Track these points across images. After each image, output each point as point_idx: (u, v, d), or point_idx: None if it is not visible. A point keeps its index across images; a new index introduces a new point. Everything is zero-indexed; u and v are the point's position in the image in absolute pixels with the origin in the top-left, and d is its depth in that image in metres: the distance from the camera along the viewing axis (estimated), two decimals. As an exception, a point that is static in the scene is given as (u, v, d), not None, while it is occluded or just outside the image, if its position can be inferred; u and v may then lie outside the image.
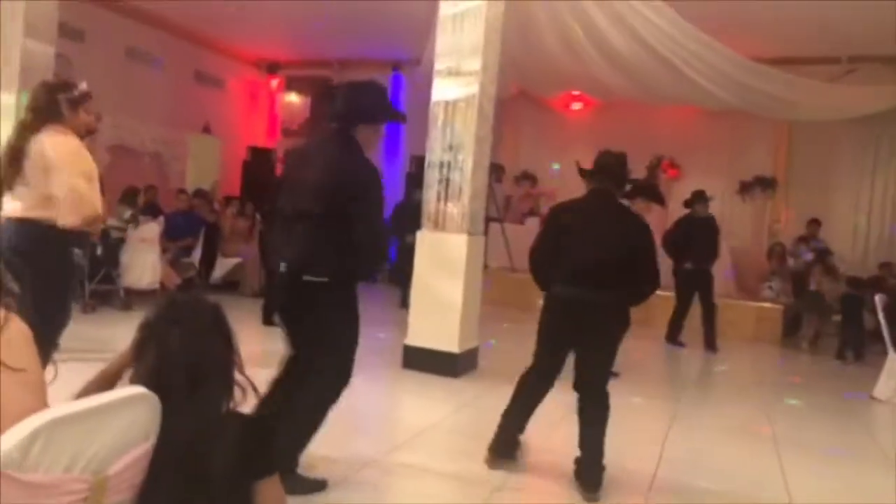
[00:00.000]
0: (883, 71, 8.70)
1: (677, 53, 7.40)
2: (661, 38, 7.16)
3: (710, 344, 7.25)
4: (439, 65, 5.36)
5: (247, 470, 1.35)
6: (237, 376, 1.41)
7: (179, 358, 1.32)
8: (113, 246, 6.84)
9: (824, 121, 9.04)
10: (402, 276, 8.10)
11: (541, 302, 3.33)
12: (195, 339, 1.35)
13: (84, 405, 1.10)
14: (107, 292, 6.83)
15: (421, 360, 5.13)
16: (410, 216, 7.98)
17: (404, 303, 7.98)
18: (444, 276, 5.16)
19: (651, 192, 5.54)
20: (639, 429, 4.21)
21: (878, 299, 5.94)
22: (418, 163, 9.89)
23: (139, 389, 1.22)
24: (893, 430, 5.14)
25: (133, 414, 1.19)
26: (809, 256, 8.61)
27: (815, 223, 9.19)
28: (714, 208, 7.78)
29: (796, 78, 7.96)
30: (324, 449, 3.32)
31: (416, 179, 9.50)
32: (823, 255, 8.21)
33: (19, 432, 0.98)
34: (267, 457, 1.42)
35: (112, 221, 7.13)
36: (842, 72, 8.89)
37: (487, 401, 4.57)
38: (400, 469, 3.25)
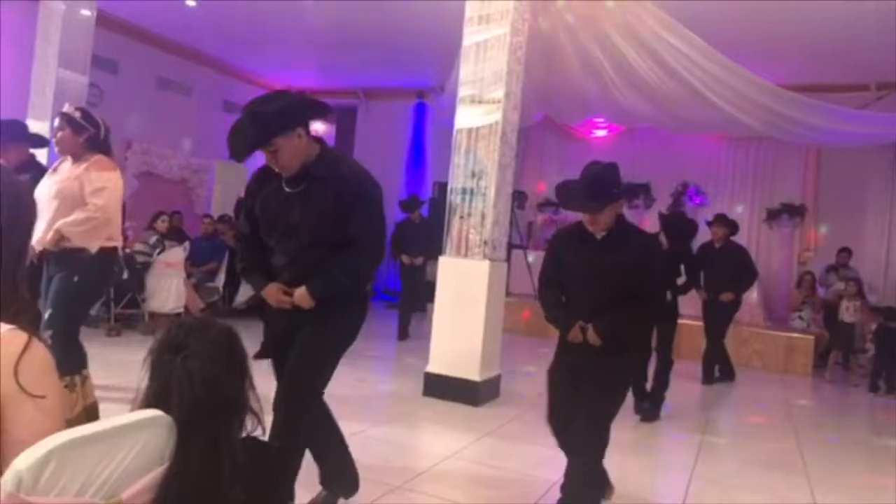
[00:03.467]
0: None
1: (703, 80, 7.36)
2: (687, 65, 7.13)
3: (707, 376, 6.81)
4: (462, 92, 5.39)
5: (262, 496, 1.32)
6: (251, 403, 1.39)
7: (186, 385, 1.29)
8: (138, 270, 6.93)
9: (853, 147, 8.91)
10: (403, 303, 8.09)
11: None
12: (202, 366, 1.31)
13: (98, 427, 1.09)
14: (131, 317, 6.90)
15: (442, 388, 5.08)
16: (412, 236, 7.97)
17: (403, 332, 7.92)
18: (466, 303, 5.12)
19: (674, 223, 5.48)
20: (664, 460, 4.10)
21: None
22: (441, 189, 9.95)
23: (154, 412, 1.20)
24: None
25: (148, 437, 1.18)
26: (840, 285, 8.41)
27: (845, 252, 9.01)
28: (740, 235, 7.64)
29: (823, 104, 7.86)
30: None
31: (439, 205, 9.55)
32: (857, 283, 8.00)
33: (33, 454, 0.97)
34: (281, 486, 1.39)
35: (138, 246, 7.25)
36: (871, 98, 8.78)
37: (509, 430, 4.51)
38: (421, 498, 3.19)
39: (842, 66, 8.27)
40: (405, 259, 7.91)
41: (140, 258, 7.06)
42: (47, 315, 3.46)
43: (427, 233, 7.94)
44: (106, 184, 3.58)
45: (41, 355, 1.13)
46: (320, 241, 2.55)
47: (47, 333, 3.42)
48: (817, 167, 9.91)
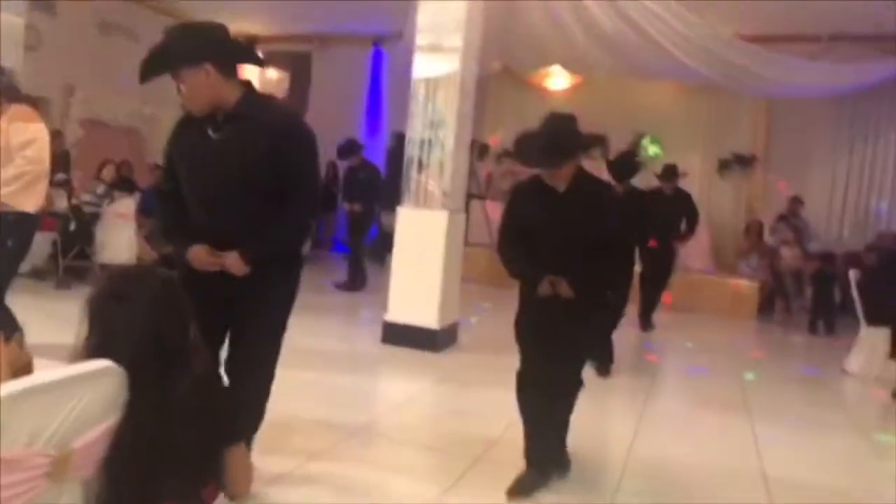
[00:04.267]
0: (862, 49, 8.74)
1: (659, 29, 7.37)
2: (643, 14, 7.13)
3: (648, 322, 6.75)
4: (421, 40, 5.29)
5: (212, 438, 1.34)
6: (196, 344, 1.39)
7: (127, 334, 1.28)
8: (87, 222, 6.73)
9: (803, 99, 9.10)
10: (354, 252, 7.91)
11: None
12: (143, 315, 1.30)
13: (47, 378, 1.08)
14: (82, 269, 6.73)
15: (401, 336, 5.14)
16: (350, 183, 7.82)
17: (348, 283, 7.69)
18: (425, 253, 5.15)
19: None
20: (613, 406, 4.26)
21: (853, 274, 6.05)
22: (399, 139, 9.84)
23: (105, 362, 1.20)
24: (863, 402, 5.25)
25: (99, 387, 1.17)
26: (789, 235, 8.66)
27: (796, 201, 9.23)
28: (692, 184, 7.79)
29: (776, 55, 7.97)
30: (304, 422, 3.34)
31: (396, 155, 9.42)
32: (797, 231, 8.29)
33: (-23, 406, 0.96)
34: (230, 424, 1.41)
35: (85, 197, 7.02)
36: (821, 50, 8.92)
37: (467, 374, 4.62)
38: (381, 441, 3.27)
39: (794, 17, 8.35)
40: (345, 206, 7.81)
41: (88, 209, 6.84)
42: None
43: (369, 179, 7.79)
44: (35, 135, 3.35)
45: None
46: (252, 191, 2.31)
47: None
48: (768, 118, 10.11)
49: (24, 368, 1.23)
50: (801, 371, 6.00)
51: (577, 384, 2.94)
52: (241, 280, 2.34)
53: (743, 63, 7.79)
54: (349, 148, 7.78)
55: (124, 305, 1.31)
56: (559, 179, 2.78)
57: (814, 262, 7.97)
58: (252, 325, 2.43)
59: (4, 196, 3.28)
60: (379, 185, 7.97)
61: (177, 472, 1.27)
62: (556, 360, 2.81)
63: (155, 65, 2.28)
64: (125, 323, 1.29)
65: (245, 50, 2.44)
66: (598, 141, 3.13)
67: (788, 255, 8.05)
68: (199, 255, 2.34)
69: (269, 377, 2.53)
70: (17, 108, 3.38)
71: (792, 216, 9.07)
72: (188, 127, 2.41)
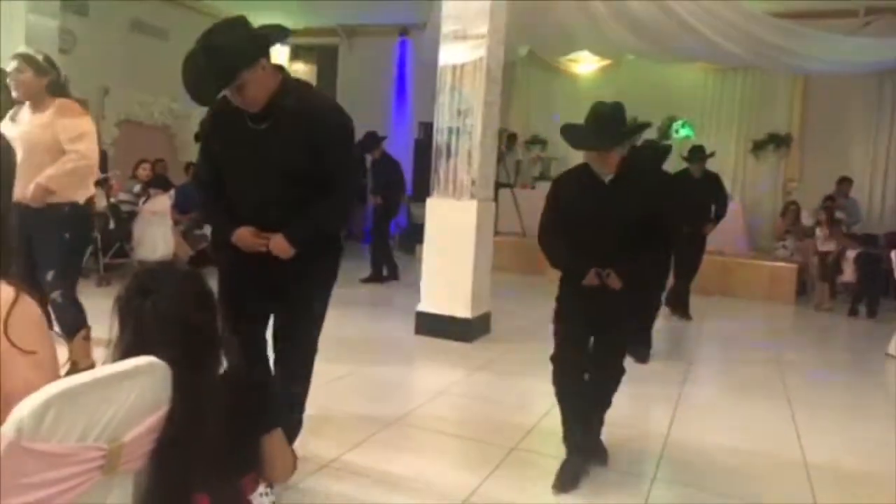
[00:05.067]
0: (901, 22, 8.47)
1: (688, 8, 7.24)
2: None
3: (684, 309, 6.57)
4: (446, 28, 5.27)
5: (246, 428, 1.37)
6: (222, 339, 1.41)
7: (155, 330, 1.31)
8: (124, 219, 6.89)
9: (840, 75, 8.84)
10: (378, 245, 7.87)
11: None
12: (169, 309, 1.33)
13: (95, 375, 1.11)
14: (121, 266, 6.90)
15: (434, 326, 5.16)
16: (376, 176, 7.79)
17: (372, 276, 7.70)
18: (455, 243, 5.15)
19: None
20: (650, 391, 4.23)
21: (894, 256, 5.89)
22: (426, 129, 9.83)
23: (150, 359, 1.23)
24: (908, 386, 5.13)
25: (145, 382, 1.21)
26: (840, 215, 8.37)
27: (846, 181, 8.95)
28: (727, 167, 7.62)
29: (811, 31, 7.76)
30: (341, 413, 3.38)
31: (423, 146, 9.40)
32: (829, 211, 8.05)
33: (32, 402, 0.99)
34: (265, 412, 1.44)
35: (123, 195, 7.18)
36: (859, 25, 8.67)
37: (501, 364, 4.62)
38: (417, 431, 3.29)
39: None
40: (370, 199, 7.82)
41: (125, 207, 7.01)
42: (50, 277, 3.34)
43: (389, 171, 7.76)
44: (84, 129, 3.41)
45: (31, 310, 1.13)
46: (295, 179, 2.37)
47: (56, 294, 3.36)
48: (804, 96, 9.86)
49: (88, 368, 1.27)
50: (843, 355, 5.87)
51: (621, 371, 2.96)
52: (284, 264, 2.40)
53: (777, 41, 7.61)
54: (369, 141, 7.72)
55: (150, 301, 1.34)
56: (606, 166, 2.76)
57: (846, 243, 7.75)
58: (296, 309, 2.52)
59: (60, 189, 3.34)
60: (399, 178, 8.00)
61: (210, 463, 1.30)
62: (599, 352, 2.85)
63: (218, 81, 2.23)
64: (152, 319, 1.32)
65: (277, 31, 2.40)
66: (644, 128, 3.08)
67: (821, 237, 7.85)
68: (244, 236, 2.41)
69: (312, 360, 2.65)
70: (62, 102, 3.43)
71: (840, 196, 8.81)
72: (226, 118, 2.42)
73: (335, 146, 2.40)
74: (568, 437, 2.89)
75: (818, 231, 7.92)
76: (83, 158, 3.39)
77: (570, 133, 2.83)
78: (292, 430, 2.61)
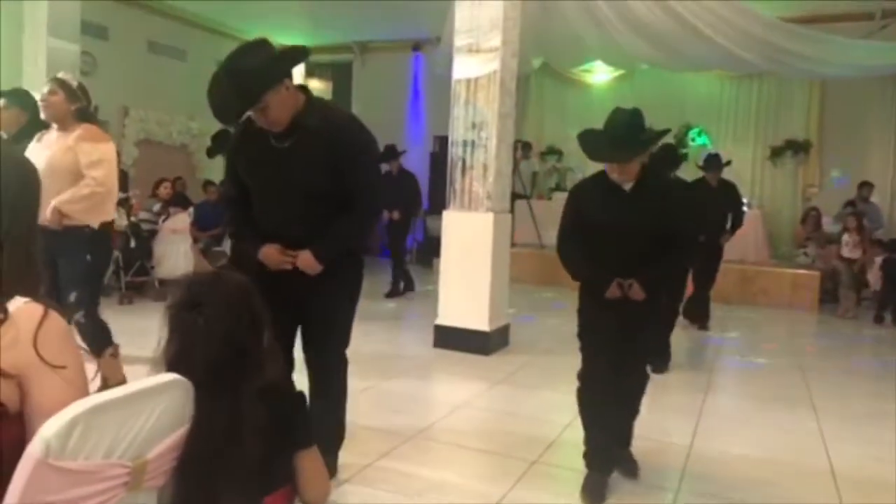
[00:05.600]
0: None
1: (701, 16, 7.22)
2: (684, 1, 6.99)
3: (703, 320, 6.43)
4: (459, 42, 5.31)
5: (281, 445, 1.36)
6: (269, 355, 1.40)
7: (203, 341, 1.31)
8: (145, 238, 6.98)
9: (857, 79, 8.75)
10: (396, 258, 7.84)
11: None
12: (219, 321, 1.32)
13: (121, 392, 1.13)
14: (142, 284, 6.97)
15: (452, 339, 5.15)
16: (389, 190, 7.40)
17: (393, 290, 7.68)
18: (472, 256, 5.15)
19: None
20: (673, 401, 4.18)
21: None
22: (441, 143, 9.87)
23: (172, 376, 1.24)
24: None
25: (168, 400, 1.22)
26: (852, 222, 8.26)
27: (867, 185, 8.82)
28: (745, 174, 7.54)
29: (826, 35, 7.71)
30: (361, 428, 3.38)
31: (439, 159, 9.42)
32: (857, 217, 7.93)
33: (58, 421, 1.01)
34: (301, 429, 1.43)
35: (143, 214, 7.27)
36: (875, 27, 8.59)
37: (520, 376, 4.60)
38: (437, 445, 3.28)
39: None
40: (385, 214, 7.61)
41: (145, 226, 7.10)
42: (73, 298, 3.40)
43: (406, 186, 7.74)
44: (103, 156, 3.47)
45: (59, 326, 1.15)
46: (318, 197, 2.42)
47: (79, 315, 3.40)
48: (821, 101, 9.77)
49: (119, 384, 1.27)
50: (868, 363, 5.77)
51: (646, 376, 2.98)
52: (310, 280, 2.45)
53: (791, 46, 7.56)
54: (386, 153, 7.63)
55: (199, 312, 1.34)
56: (626, 175, 2.72)
57: (875, 251, 7.64)
58: (322, 322, 2.56)
59: (74, 214, 3.40)
60: (415, 192, 8.01)
61: (240, 479, 1.29)
62: (624, 360, 2.80)
63: (242, 103, 2.27)
64: (200, 329, 1.32)
65: (298, 51, 2.45)
66: (664, 134, 2.97)
67: (851, 243, 7.73)
68: (271, 254, 2.45)
69: (342, 372, 2.69)
70: (86, 127, 3.49)
71: (861, 202, 8.69)
72: (251, 137, 2.48)
73: (358, 164, 2.43)
74: (590, 453, 2.85)
75: (846, 237, 7.81)
76: (100, 185, 3.43)
77: (589, 142, 2.77)
78: (332, 443, 2.70)
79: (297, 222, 2.44)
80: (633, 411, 2.99)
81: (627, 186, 2.74)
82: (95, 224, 3.50)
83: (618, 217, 2.72)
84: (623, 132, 2.66)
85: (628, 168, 2.70)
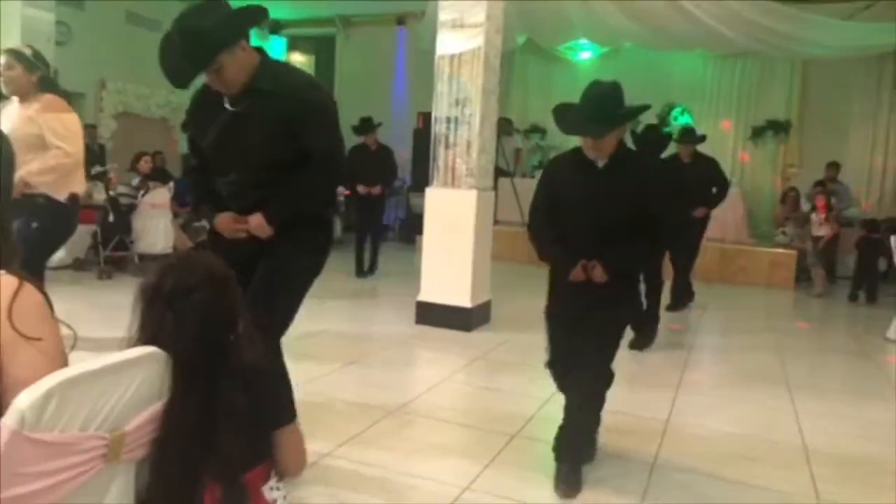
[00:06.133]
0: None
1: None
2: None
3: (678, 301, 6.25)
4: (443, 17, 5.26)
5: (258, 424, 1.36)
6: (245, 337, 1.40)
7: (176, 325, 1.30)
8: (124, 213, 6.89)
9: (839, 59, 8.81)
10: (360, 236, 7.55)
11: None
12: (193, 306, 1.31)
13: (98, 364, 1.12)
14: (121, 259, 6.90)
15: (434, 316, 5.18)
16: (367, 164, 7.26)
17: (359, 268, 7.37)
18: (454, 232, 5.16)
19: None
20: (650, 378, 4.24)
21: (894, 241, 5.89)
22: (425, 119, 9.80)
23: (150, 349, 1.23)
24: (908, 370, 5.15)
25: (146, 372, 1.21)
26: (821, 201, 8.42)
27: (833, 166, 8.97)
28: (726, 153, 7.59)
29: (810, 15, 7.74)
30: (342, 404, 3.40)
31: (422, 136, 9.35)
32: (825, 195, 8.02)
33: (33, 393, 1.00)
34: (280, 407, 1.43)
35: (122, 188, 7.18)
36: (859, 8, 8.62)
37: (501, 353, 4.64)
38: (418, 420, 3.31)
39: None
40: (361, 188, 7.32)
41: (124, 200, 7.00)
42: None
43: (385, 159, 7.46)
44: (68, 126, 3.40)
45: (35, 299, 1.14)
46: (274, 161, 2.29)
47: None
48: (803, 82, 9.83)
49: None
50: (842, 341, 5.89)
51: (608, 378, 2.79)
52: (265, 243, 2.32)
53: (775, 25, 7.59)
54: (362, 126, 7.39)
55: (173, 299, 1.33)
56: (601, 152, 2.61)
57: (835, 229, 7.77)
58: (272, 270, 2.33)
59: (41, 185, 3.34)
60: (392, 167, 7.73)
61: (218, 457, 1.29)
62: (586, 352, 2.65)
63: (196, 63, 2.15)
64: (172, 319, 1.31)
65: (256, 11, 2.30)
66: (643, 109, 2.79)
67: (816, 221, 7.85)
68: (224, 222, 2.36)
69: (282, 330, 2.39)
70: (49, 98, 3.42)
71: (830, 181, 8.84)
72: (205, 100, 2.37)
73: (312, 124, 2.29)
74: (558, 441, 2.75)
75: (813, 216, 7.93)
76: (67, 156, 3.37)
77: (563, 116, 2.65)
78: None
79: (254, 190, 2.32)
80: (591, 399, 2.76)
81: (601, 164, 2.65)
82: (63, 197, 3.43)
83: (586, 194, 2.62)
84: (599, 106, 2.56)
85: (603, 144, 2.58)
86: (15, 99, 3.45)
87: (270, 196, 2.29)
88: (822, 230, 7.79)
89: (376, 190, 7.44)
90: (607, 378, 2.80)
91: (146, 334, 1.34)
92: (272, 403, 1.43)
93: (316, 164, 2.32)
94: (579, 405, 2.72)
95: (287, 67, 2.46)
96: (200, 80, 2.30)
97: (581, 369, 2.67)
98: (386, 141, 7.82)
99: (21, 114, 3.38)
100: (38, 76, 3.42)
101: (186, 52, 2.12)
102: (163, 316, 1.33)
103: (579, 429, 2.76)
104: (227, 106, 2.30)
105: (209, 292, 1.35)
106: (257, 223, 2.30)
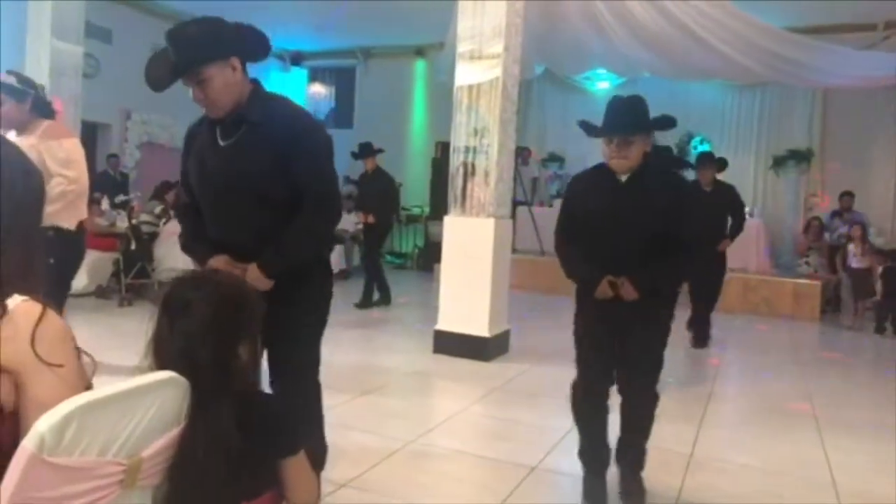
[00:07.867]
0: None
1: (704, 25, 7.24)
2: (687, 10, 7.01)
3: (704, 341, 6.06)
4: (461, 48, 5.32)
5: (260, 452, 1.34)
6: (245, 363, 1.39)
7: (175, 345, 1.30)
8: (146, 241, 6.98)
9: (859, 89, 8.77)
10: (369, 265, 7.31)
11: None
12: (201, 324, 1.30)
13: (116, 389, 1.12)
14: (142, 286, 6.97)
15: (451, 345, 5.14)
16: (364, 191, 7.20)
17: (365, 301, 7.09)
18: (473, 260, 5.15)
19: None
20: (673, 411, 4.15)
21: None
22: (443, 148, 9.88)
23: (169, 374, 1.23)
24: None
25: (164, 397, 1.21)
26: (844, 230, 8.37)
27: (848, 196, 8.91)
28: (747, 183, 7.55)
29: (828, 45, 7.73)
30: (358, 433, 3.36)
31: (441, 165, 9.41)
32: (861, 227, 7.93)
33: (53, 416, 1.00)
34: (282, 435, 1.41)
35: (144, 217, 7.28)
36: (878, 38, 8.61)
37: (519, 383, 4.58)
38: (434, 451, 3.26)
39: (849, 5, 8.08)
40: (359, 216, 7.09)
41: (146, 228, 7.10)
42: None
43: (381, 186, 7.12)
44: (72, 153, 3.33)
45: (57, 325, 1.15)
46: (265, 200, 2.14)
47: None
48: (823, 111, 9.79)
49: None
50: (870, 374, 5.74)
51: (654, 399, 2.70)
52: (267, 293, 2.10)
53: (794, 55, 7.58)
54: (361, 150, 7.12)
55: (171, 308, 1.33)
56: (626, 160, 2.53)
57: (883, 259, 7.63)
58: (284, 340, 2.19)
59: (48, 217, 3.22)
60: (390, 194, 7.42)
61: (226, 482, 1.27)
62: (626, 375, 2.62)
63: (178, 65, 2.05)
64: (170, 326, 1.32)
65: (257, 35, 2.18)
66: (670, 121, 2.67)
67: (857, 252, 7.71)
68: (219, 266, 2.17)
69: (311, 390, 2.35)
70: (48, 124, 3.37)
71: (845, 211, 8.75)
72: (199, 134, 2.29)
73: (305, 157, 2.15)
74: (585, 456, 2.77)
75: (851, 248, 7.79)
76: (72, 183, 3.32)
77: (590, 126, 2.66)
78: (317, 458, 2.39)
79: (245, 229, 2.18)
80: (638, 430, 2.73)
81: (624, 178, 2.58)
82: (71, 225, 3.37)
83: (609, 208, 2.55)
84: (626, 111, 2.55)
85: (629, 151, 2.51)
86: (12, 131, 3.32)
87: (265, 239, 2.15)
88: (863, 262, 7.62)
89: (370, 218, 7.15)
90: (652, 400, 2.72)
91: (153, 343, 1.35)
92: (274, 432, 1.40)
93: (310, 203, 2.18)
94: (625, 427, 2.72)
95: (280, 99, 2.31)
96: (198, 112, 2.25)
97: (624, 394, 2.68)
98: (404, 169, 7.81)
99: (23, 143, 3.27)
100: (29, 102, 3.32)
101: (173, 54, 2.06)
102: (161, 326, 1.34)
103: (601, 448, 2.75)
104: (220, 140, 2.21)
105: (208, 309, 1.33)
106: (255, 277, 2.13)
